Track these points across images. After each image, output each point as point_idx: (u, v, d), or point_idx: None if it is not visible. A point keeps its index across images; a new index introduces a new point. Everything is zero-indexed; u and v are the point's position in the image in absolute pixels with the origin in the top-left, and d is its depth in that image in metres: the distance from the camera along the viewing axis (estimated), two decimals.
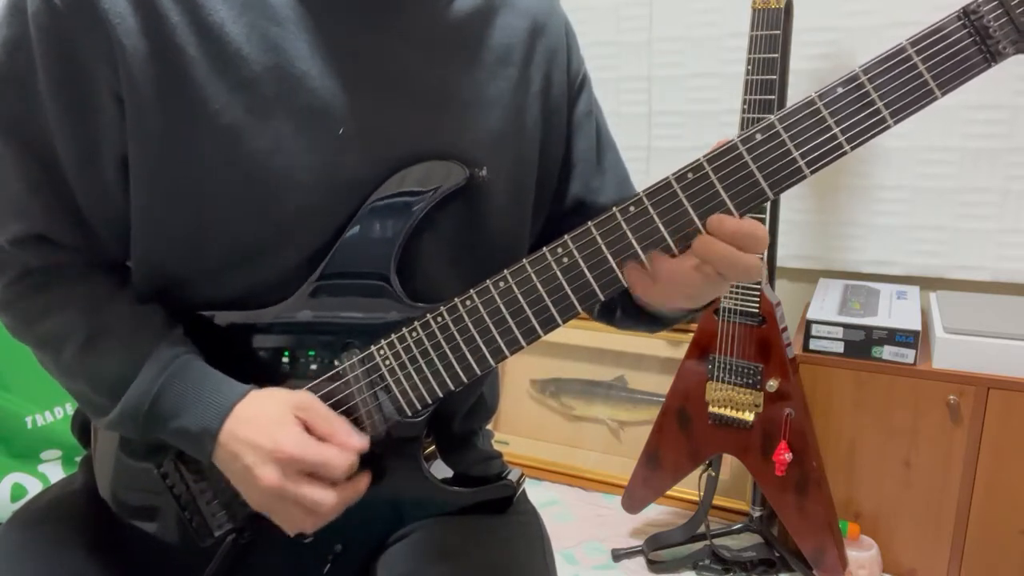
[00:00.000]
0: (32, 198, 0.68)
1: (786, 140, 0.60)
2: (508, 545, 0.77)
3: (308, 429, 0.67)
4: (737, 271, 0.62)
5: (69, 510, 0.79)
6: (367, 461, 0.69)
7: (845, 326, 1.63)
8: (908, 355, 1.59)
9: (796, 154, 0.60)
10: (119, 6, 0.62)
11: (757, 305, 1.57)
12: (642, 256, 0.64)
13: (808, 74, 1.75)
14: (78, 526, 0.77)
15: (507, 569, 0.75)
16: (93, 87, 0.64)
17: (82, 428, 0.87)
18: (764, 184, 0.61)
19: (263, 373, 0.71)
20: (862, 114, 0.59)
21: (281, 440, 0.65)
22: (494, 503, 0.78)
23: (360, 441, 0.67)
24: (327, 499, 0.65)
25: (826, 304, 1.72)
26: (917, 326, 1.59)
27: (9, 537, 0.76)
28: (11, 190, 0.68)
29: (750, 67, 1.48)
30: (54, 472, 1.69)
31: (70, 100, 0.64)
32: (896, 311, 1.67)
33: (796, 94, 1.63)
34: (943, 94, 0.58)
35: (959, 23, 0.57)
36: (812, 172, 0.61)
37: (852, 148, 0.60)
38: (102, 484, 0.79)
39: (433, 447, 0.76)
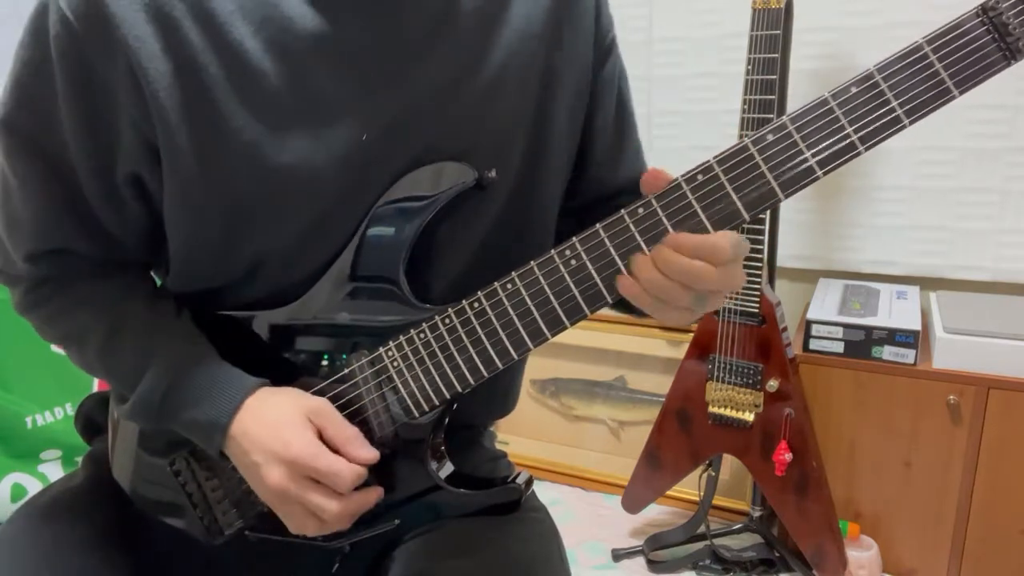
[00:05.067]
0: (56, 218, 0.70)
1: (798, 141, 0.59)
2: (524, 543, 0.76)
3: (321, 436, 0.67)
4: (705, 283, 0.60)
5: (72, 506, 0.79)
6: (376, 464, 0.69)
7: (845, 326, 1.63)
8: (908, 355, 1.59)
9: (808, 154, 0.59)
10: (138, 29, 0.62)
11: (757, 305, 1.57)
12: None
13: (808, 74, 1.75)
14: (81, 522, 0.77)
15: (526, 565, 0.74)
16: (110, 108, 0.65)
17: (86, 423, 0.88)
18: (775, 185, 0.60)
19: (274, 372, 0.72)
20: (876, 114, 0.58)
21: (292, 443, 0.65)
22: (501, 505, 0.78)
23: (370, 454, 0.68)
24: (331, 507, 0.66)
25: (826, 304, 1.72)
26: (917, 326, 1.59)
27: (12, 534, 0.76)
28: (33, 211, 0.70)
29: (750, 67, 1.47)
30: (54, 472, 1.68)
31: (88, 119, 0.66)
32: (896, 311, 1.67)
33: (796, 94, 1.63)
34: (961, 93, 0.57)
35: (977, 20, 0.55)
36: (825, 173, 0.60)
37: (866, 148, 0.59)
38: (122, 477, 0.80)
39: (442, 448, 0.76)
